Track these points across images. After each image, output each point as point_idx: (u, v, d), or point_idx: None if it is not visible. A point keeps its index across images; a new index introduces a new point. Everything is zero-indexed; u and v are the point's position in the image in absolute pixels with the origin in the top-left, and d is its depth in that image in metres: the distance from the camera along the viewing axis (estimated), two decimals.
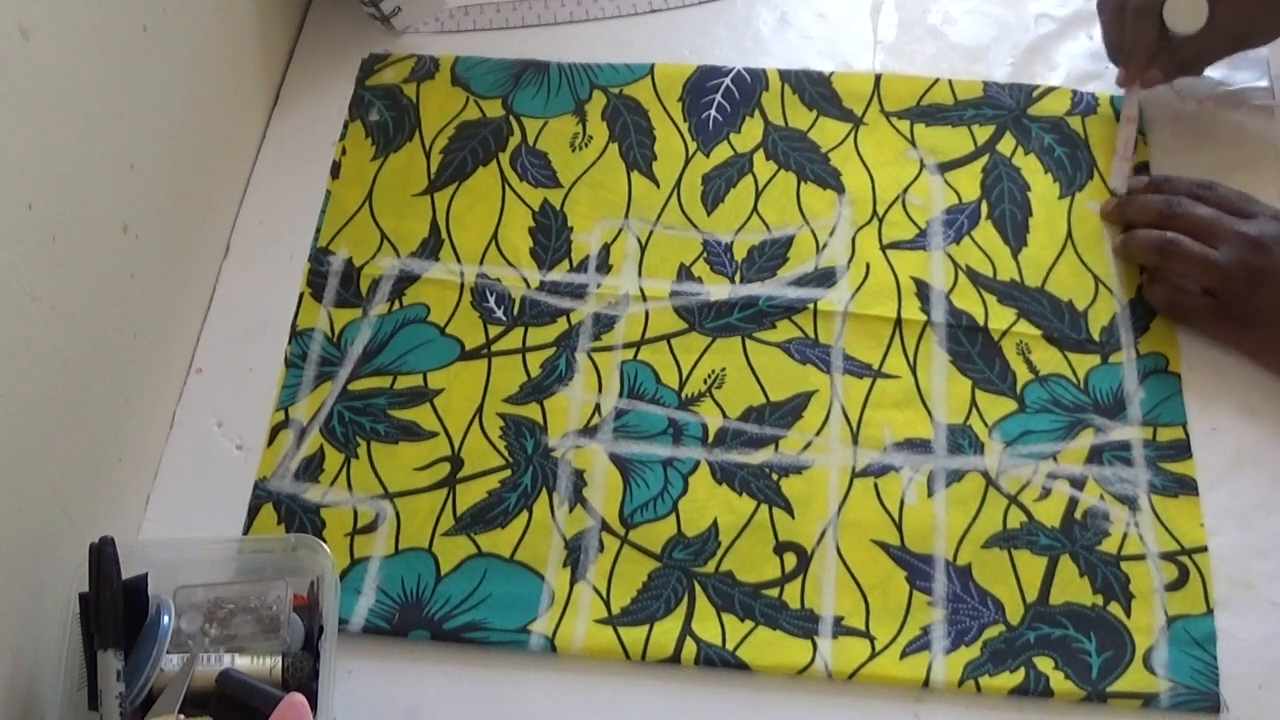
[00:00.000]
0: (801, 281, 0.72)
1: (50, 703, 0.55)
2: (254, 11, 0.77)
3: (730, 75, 0.80)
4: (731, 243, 0.74)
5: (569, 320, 0.71)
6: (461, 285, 0.73)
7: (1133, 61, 0.75)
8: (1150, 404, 0.67)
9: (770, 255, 0.73)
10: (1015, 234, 0.73)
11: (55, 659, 0.55)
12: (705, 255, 0.73)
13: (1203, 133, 0.76)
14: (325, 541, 0.60)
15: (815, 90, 0.80)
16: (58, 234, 0.55)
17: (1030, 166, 0.76)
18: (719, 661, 0.61)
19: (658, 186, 0.76)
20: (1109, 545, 0.63)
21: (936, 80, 0.79)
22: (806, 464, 0.66)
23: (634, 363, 0.70)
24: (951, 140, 0.77)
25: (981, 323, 0.70)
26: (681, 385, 0.69)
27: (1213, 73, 0.77)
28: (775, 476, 0.66)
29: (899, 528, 0.64)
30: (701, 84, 0.80)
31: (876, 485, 0.66)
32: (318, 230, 0.75)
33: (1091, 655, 0.60)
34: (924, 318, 0.70)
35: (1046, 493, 0.65)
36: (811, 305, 0.71)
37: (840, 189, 0.75)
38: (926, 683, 0.60)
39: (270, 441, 0.68)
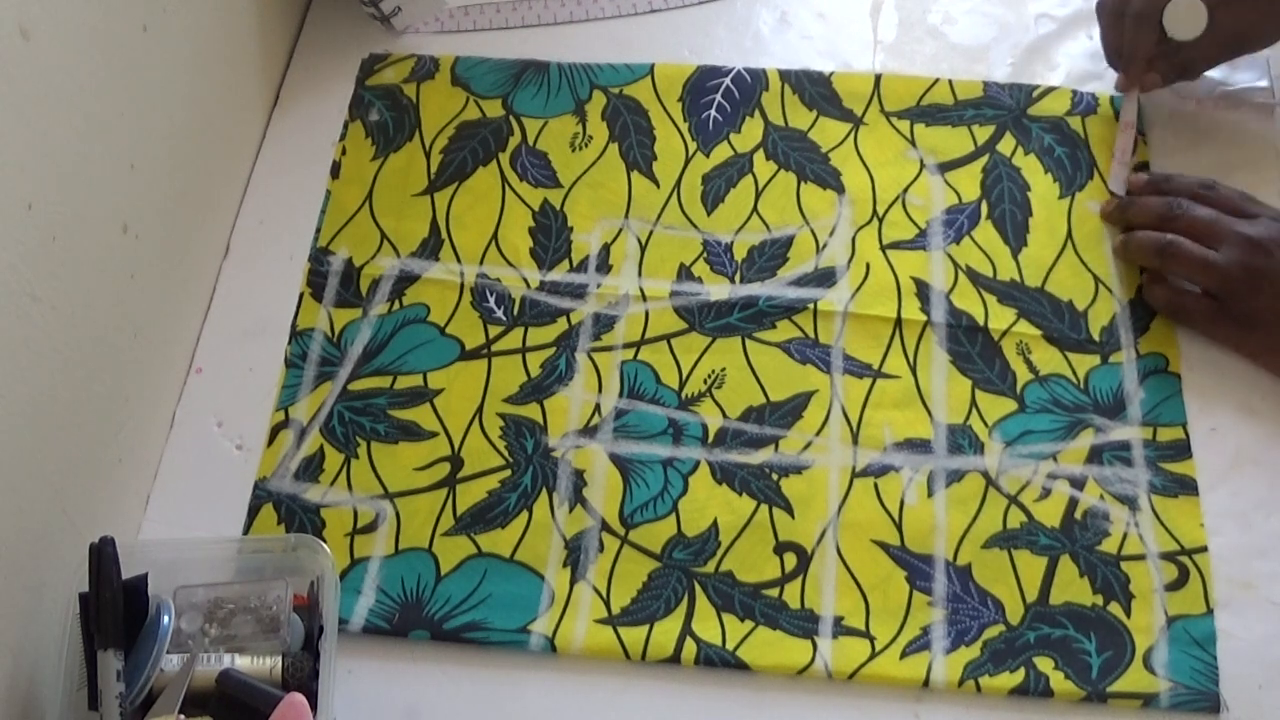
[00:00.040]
0: (801, 281, 0.72)
1: (50, 703, 0.55)
2: (254, 11, 0.77)
3: (730, 75, 0.80)
4: (731, 243, 0.74)
5: (569, 320, 0.71)
6: (461, 285, 0.73)
7: (1132, 67, 0.75)
8: (1150, 404, 0.67)
9: (770, 255, 0.73)
10: (1015, 234, 0.73)
11: (55, 659, 0.55)
12: (705, 255, 0.73)
13: (1203, 133, 0.76)
14: (325, 541, 0.60)
15: (815, 90, 0.80)
16: (58, 234, 0.55)
17: (1030, 166, 0.76)
18: (719, 661, 0.61)
19: (658, 186, 0.76)
20: (1109, 545, 0.63)
21: (936, 80, 0.79)
22: (806, 464, 0.66)
23: (634, 363, 0.70)
24: (951, 140, 0.77)
25: (981, 323, 0.70)
26: (681, 385, 0.69)
27: (1213, 73, 0.77)
28: (775, 476, 0.66)
29: (899, 528, 0.64)
30: (701, 84, 0.80)
31: (876, 485, 0.66)
32: (318, 230, 0.75)
33: (1091, 655, 0.60)
34: (924, 318, 0.70)
35: (1046, 493, 0.65)
36: (811, 305, 0.71)
37: (840, 189, 0.75)
38: (926, 683, 0.60)
39: (270, 441, 0.68)
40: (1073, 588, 0.62)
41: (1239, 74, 0.78)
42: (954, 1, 0.84)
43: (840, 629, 0.62)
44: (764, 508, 0.65)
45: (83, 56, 0.56)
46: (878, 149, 0.77)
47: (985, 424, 0.67)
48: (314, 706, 0.52)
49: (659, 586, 0.63)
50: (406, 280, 0.73)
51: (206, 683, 0.54)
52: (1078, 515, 0.64)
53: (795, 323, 0.71)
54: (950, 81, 0.79)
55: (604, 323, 0.71)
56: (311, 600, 0.59)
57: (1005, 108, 0.78)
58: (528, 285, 0.73)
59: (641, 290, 0.72)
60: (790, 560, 0.64)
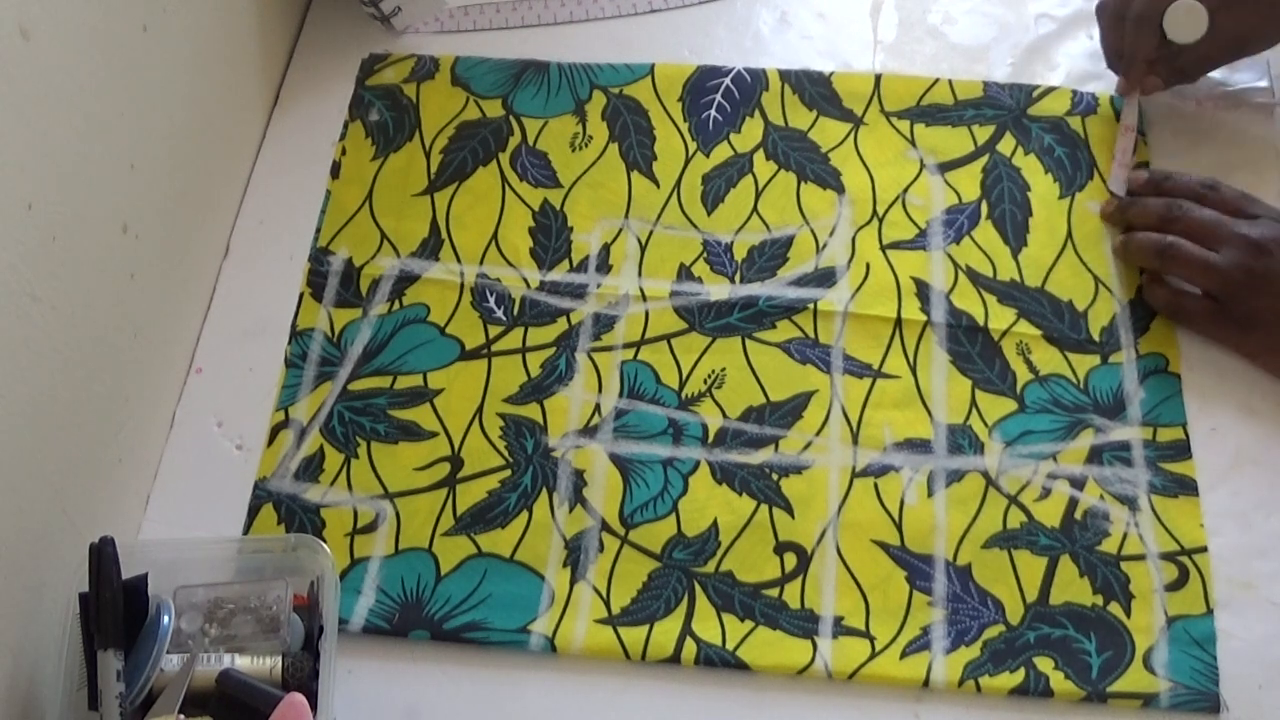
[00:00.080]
0: (801, 281, 0.72)
1: (50, 703, 0.55)
2: (254, 11, 0.77)
3: (730, 75, 0.80)
4: (731, 243, 0.74)
5: (569, 320, 0.71)
6: (461, 285, 0.73)
7: (1132, 70, 0.75)
8: (1150, 404, 0.67)
9: (770, 255, 0.73)
10: (1015, 234, 0.73)
11: (55, 659, 0.55)
12: (705, 255, 0.73)
13: (1203, 133, 0.76)
14: (325, 541, 0.60)
15: (815, 90, 0.80)
16: (58, 234, 0.55)
17: (1030, 166, 0.76)
18: (719, 661, 0.61)
19: (658, 186, 0.76)
20: (1109, 545, 0.63)
21: (936, 80, 0.79)
22: (806, 464, 0.66)
23: (634, 363, 0.70)
24: (951, 140, 0.77)
25: (981, 323, 0.70)
26: (681, 385, 0.69)
27: (1212, 73, 0.77)
28: (775, 476, 0.66)
29: (899, 528, 0.64)
30: (701, 84, 0.80)
31: (876, 485, 0.66)
32: (318, 230, 0.75)
33: (1091, 655, 0.60)
34: (924, 318, 0.70)
35: (1046, 493, 0.65)
36: (811, 305, 0.71)
37: (840, 189, 0.75)
38: (926, 683, 0.60)
39: (270, 441, 0.68)
40: (1073, 588, 0.62)
41: (1239, 74, 0.78)
42: (954, 1, 0.84)
43: (840, 629, 0.62)
44: (764, 508, 0.65)
45: (83, 56, 0.56)
46: (878, 149, 0.77)
47: (985, 424, 0.67)
48: (314, 706, 0.52)
49: (659, 586, 0.63)
50: (406, 280, 0.73)
51: (206, 683, 0.54)
52: (1078, 515, 0.64)
53: (795, 323, 0.71)
54: (950, 81, 0.79)
55: (604, 323, 0.71)
56: (311, 600, 0.59)
57: (1005, 108, 0.78)
58: (528, 285, 0.73)
59: (641, 290, 0.72)
60: (790, 560, 0.64)
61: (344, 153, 0.79)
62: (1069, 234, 0.73)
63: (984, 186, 0.75)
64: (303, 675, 0.55)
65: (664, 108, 0.79)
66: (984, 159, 0.76)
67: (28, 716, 0.54)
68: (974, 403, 0.68)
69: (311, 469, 0.67)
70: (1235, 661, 0.60)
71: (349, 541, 0.65)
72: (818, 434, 0.67)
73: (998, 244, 0.73)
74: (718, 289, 0.72)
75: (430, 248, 0.74)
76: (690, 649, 0.61)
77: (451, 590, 0.63)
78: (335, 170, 0.78)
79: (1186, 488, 0.65)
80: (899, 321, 0.70)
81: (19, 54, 0.51)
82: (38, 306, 0.54)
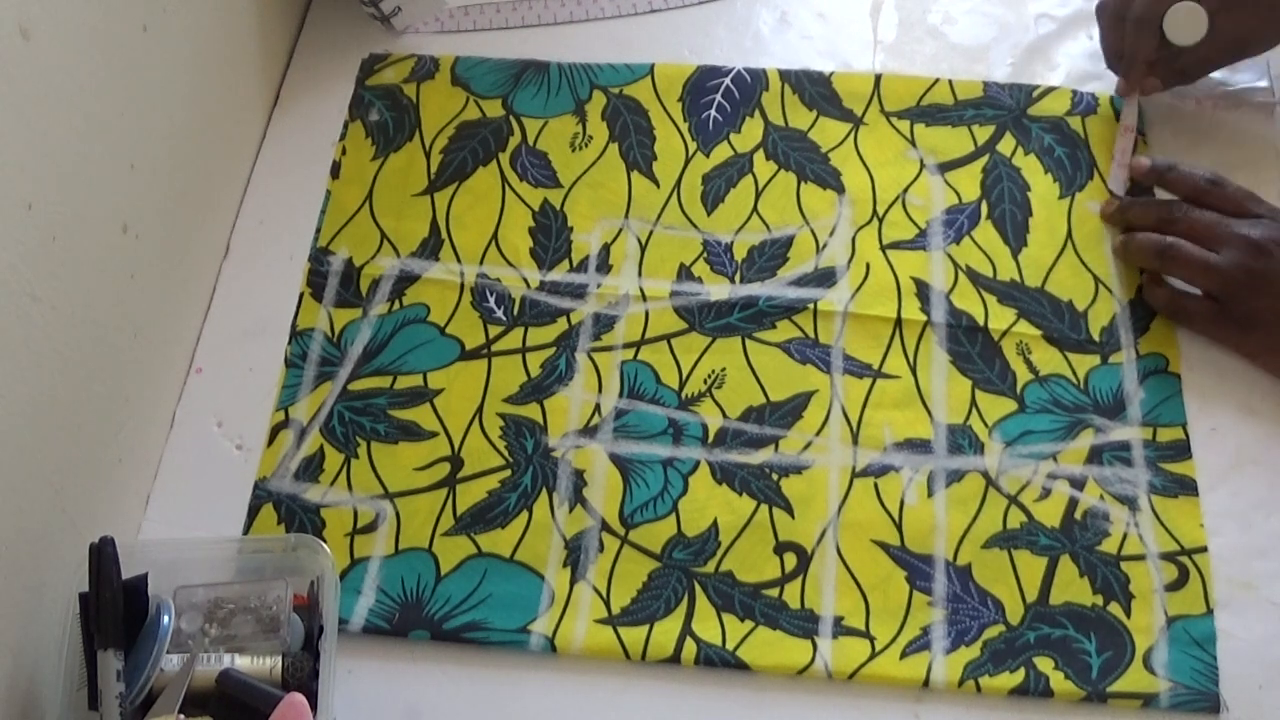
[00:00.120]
0: (801, 281, 0.72)
1: (50, 703, 0.55)
2: (254, 11, 0.77)
3: (730, 75, 0.80)
4: (731, 243, 0.74)
5: (569, 320, 0.71)
6: (461, 285, 0.73)
7: (1132, 71, 0.75)
8: (1150, 404, 0.67)
9: (770, 255, 0.73)
10: (1015, 234, 0.73)
11: (55, 659, 0.55)
12: (705, 255, 0.73)
13: (1203, 133, 0.76)
14: (325, 541, 0.60)
15: (815, 90, 0.80)
16: (58, 234, 0.55)
17: (1030, 166, 0.76)
18: (719, 661, 0.61)
19: (658, 186, 0.76)
20: (1109, 545, 0.63)
21: (936, 80, 0.79)
22: (806, 464, 0.66)
23: (634, 363, 0.70)
24: (951, 140, 0.77)
25: (981, 323, 0.70)
26: (681, 385, 0.69)
27: (1212, 73, 0.77)
28: (775, 476, 0.66)
29: (899, 528, 0.64)
30: (701, 84, 0.80)
31: (876, 485, 0.66)
32: (318, 230, 0.75)
33: (1091, 655, 0.60)
34: (924, 318, 0.70)
35: (1046, 493, 0.65)
36: (811, 305, 0.71)
37: (840, 189, 0.75)
38: (926, 683, 0.60)
39: (270, 441, 0.68)
40: (1073, 588, 0.62)
41: (1239, 74, 0.78)
42: (954, 1, 0.84)
43: (840, 629, 0.62)
44: (764, 508, 0.65)
45: (83, 56, 0.56)
46: (878, 149, 0.77)
47: (985, 424, 0.67)
48: (314, 706, 0.52)
49: (659, 586, 0.63)
50: (406, 280, 0.73)
51: (206, 683, 0.54)
52: (1078, 515, 0.64)
53: (795, 323, 0.71)
54: (950, 81, 0.79)
55: (604, 323, 0.71)
56: (311, 600, 0.59)
57: (1005, 108, 0.78)
58: (528, 285, 0.73)
59: (641, 290, 0.72)
60: (790, 560, 0.64)
61: (344, 153, 0.79)
62: (1069, 234, 0.73)
63: (984, 186, 0.75)
64: (303, 675, 0.55)
65: (664, 108, 0.79)
66: (984, 159, 0.76)
67: (28, 716, 0.54)
68: (974, 403, 0.68)
69: (311, 469, 0.67)
70: (1235, 661, 0.60)
71: (349, 541, 0.65)
72: (818, 434, 0.67)
73: (998, 244, 0.73)
74: (718, 289, 0.72)
75: (430, 248, 0.74)
76: (690, 649, 0.61)
77: (451, 590, 0.63)
78: (335, 170, 0.78)
79: (1186, 488, 0.65)
80: (899, 321, 0.70)
81: (19, 54, 0.51)
82: (38, 306, 0.54)
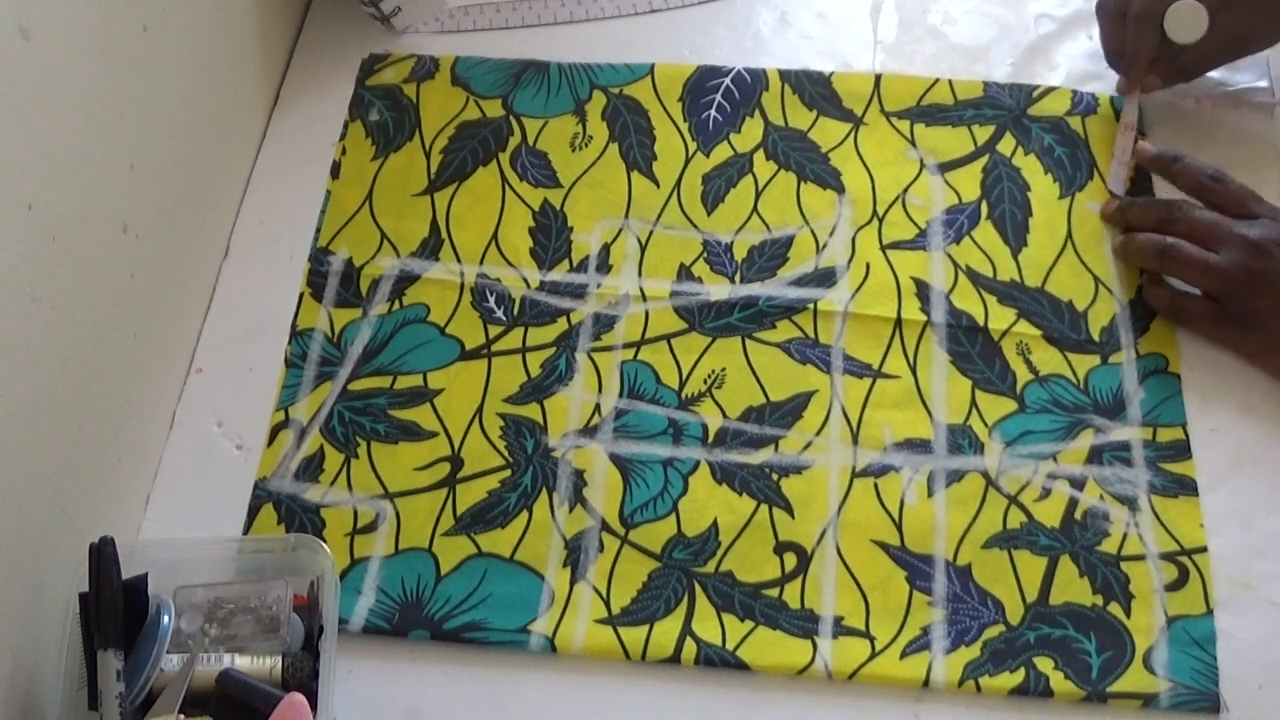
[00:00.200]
0: (801, 281, 0.72)
1: (50, 703, 0.55)
2: (254, 11, 0.77)
3: (730, 75, 0.80)
4: (731, 243, 0.74)
5: (569, 320, 0.71)
6: (461, 285, 0.73)
7: (1133, 69, 0.75)
8: (1150, 404, 0.67)
9: (770, 255, 0.73)
10: (1015, 234, 0.73)
11: (55, 659, 0.55)
12: (705, 255, 0.73)
13: (1203, 133, 0.76)
14: (325, 541, 0.60)
15: (815, 90, 0.80)
16: (58, 234, 0.55)
17: (1030, 166, 0.76)
18: (719, 661, 0.61)
19: (658, 186, 0.76)
20: (1109, 545, 0.63)
21: (936, 80, 0.79)
22: (806, 464, 0.66)
23: (634, 363, 0.70)
24: (951, 140, 0.77)
25: (981, 323, 0.70)
26: (681, 385, 0.69)
27: (1213, 73, 0.77)
28: (775, 476, 0.66)
29: (899, 528, 0.64)
30: (701, 84, 0.80)
31: (876, 485, 0.66)
32: (318, 230, 0.75)
33: (1091, 655, 0.60)
34: (924, 318, 0.70)
35: (1046, 493, 0.65)
36: (811, 305, 0.71)
37: (840, 189, 0.75)
38: (926, 683, 0.60)
39: (270, 441, 0.68)
40: (1073, 588, 0.62)
41: (1239, 74, 0.78)
42: (954, 1, 0.84)
43: (840, 629, 0.62)
44: (764, 508, 0.65)
45: (83, 56, 0.56)
46: (878, 149, 0.77)
47: (985, 424, 0.67)
48: (314, 706, 0.52)
49: (659, 586, 0.63)
50: (406, 280, 0.73)
51: (206, 683, 0.54)
52: (1078, 515, 0.64)
53: (795, 323, 0.71)
54: (950, 81, 0.79)
55: (604, 323, 0.71)
56: (311, 600, 0.59)
57: (1005, 108, 0.78)
58: (528, 285, 0.73)
59: (641, 290, 0.72)
60: (790, 560, 0.64)
61: (344, 153, 0.79)
62: (1069, 234, 0.73)
63: (984, 186, 0.75)
64: (303, 675, 0.55)
65: (664, 108, 0.79)
66: (984, 159, 0.76)
67: (28, 716, 0.54)
68: (974, 403, 0.68)
69: (311, 469, 0.67)
70: (1235, 661, 0.60)
71: (349, 541, 0.65)
72: (818, 434, 0.67)
73: (998, 244, 0.73)
74: (718, 289, 0.72)
75: (430, 248, 0.74)
76: (690, 649, 0.61)
77: (451, 590, 0.63)
78: (335, 170, 0.78)
79: (1186, 488, 0.65)
80: (899, 321, 0.70)
81: (19, 54, 0.51)
82: (38, 306, 0.54)
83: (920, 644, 0.61)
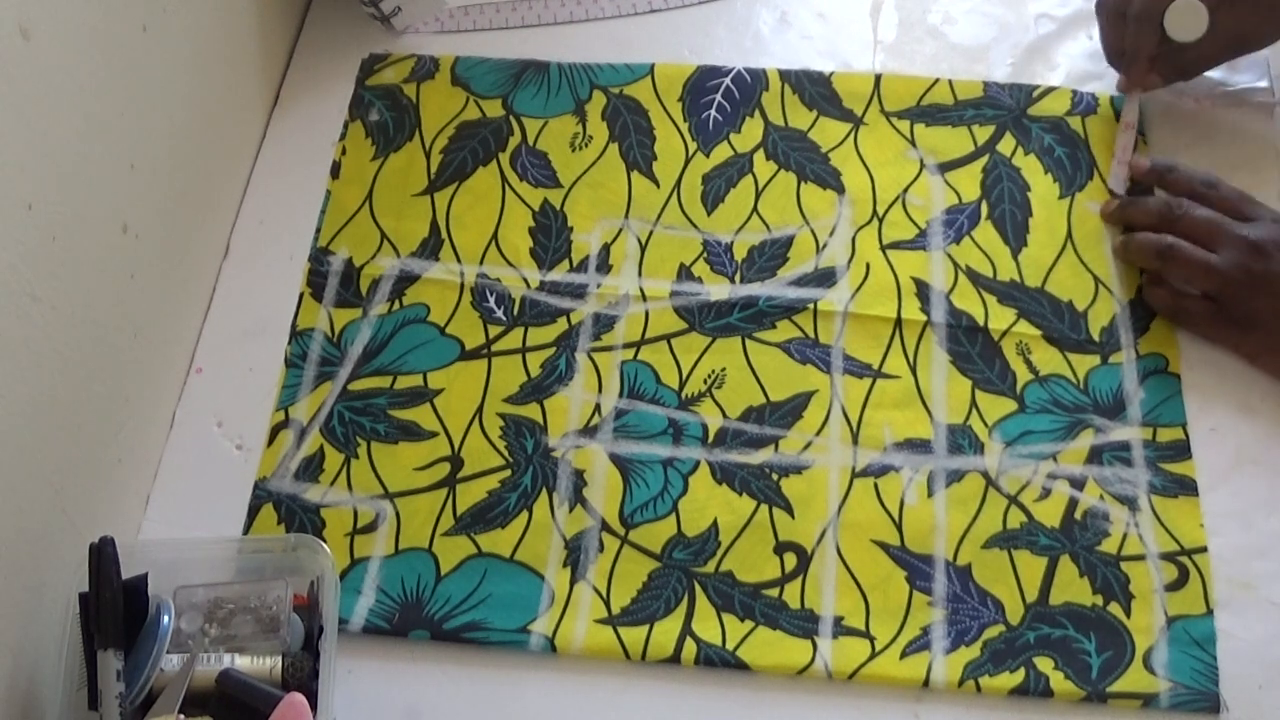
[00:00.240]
0: (801, 281, 0.72)
1: (50, 703, 0.55)
2: (254, 11, 0.77)
3: (730, 75, 0.80)
4: (731, 243, 0.74)
5: (569, 320, 0.71)
6: (461, 285, 0.73)
7: (1134, 68, 0.75)
8: (1150, 404, 0.67)
9: (770, 255, 0.73)
10: (1015, 234, 0.73)
11: (55, 659, 0.55)
12: (705, 255, 0.73)
13: (1203, 133, 0.76)
14: (325, 541, 0.60)
15: (815, 90, 0.80)
16: (58, 234, 0.55)
17: (1030, 166, 0.76)
18: (719, 661, 0.61)
19: (658, 186, 0.76)
20: (1109, 545, 0.63)
21: (936, 80, 0.79)
22: (806, 464, 0.66)
23: (634, 363, 0.70)
24: (951, 140, 0.77)
25: (981, 323, 0.70)
26: (681, 385, 0.69)
27: (1213, 73, 0.77)
28: (775, 476, 0.66)
29: (899, 528, 0.64)
30: (701, 84, 0.80)
31: (876, 485, 0.66)
32: (318, 230, 0.75)
33: (1091, 655, 0.60)
34: (924, 318, 0.70)
35: (1046, 493, 0.65)
36: (811, 305, 0.71)
37: (840, 189, 0.75)
38: (926, 683, 0.60)
39: (270, 441, 0.68)
40: (1073, 588, 0.62)
41: (1239, 74, 0.78)
42: (954, 1, 0.84)
43: (840, 629, 0.62)
44: (764, 508, 0.65)
45: (83, 56, 0.56)
46: (878, 149, 0.77)
47: (985, 424, 0.67)
48: (314, 706, 0.52)
49: (659, 586, 0.63)
50: (406, 280, 0.73)
51: (206, 683, 0.54)
52: (1078, 515, 0.64)
53: (795, 323, 0.71)
54: (950, 81, 0.79)
55: (604, 323, 0.71)
56: (311, 600, 0.59)
57: (1005, 108, 0.78)
58: (528, 285, 0.73)
59: (641, 290, 0.72)
60: (790, 560, 0.64)
61: (344, 153, 0.79)
62: (1069, 234, 0.73)
63: (984, 186, 0.75)
64: (303, 675, 0.55)
65: (664, 108, 0.79)
66: (984, 159, 0.76)
67: (28, 716, 0.54)
68: (974, 403, 0.68)
69: (311, 469, 0.67)
70: (1235, 661, 0.60)
71: (349, 541, 0.65)
72: (818, 434, 0.67)
73: (998, 244, 0.73)
74: (718, 289, 0.72)
75: (430, 248, 0.74)
76: (690, 649, 0.61)
77: (451, 590, 0.63)
78: (335, 170, 0.78)
79: (1186, 488, 0.65)
80: (899, 321, 0.70)
81: (19, 54, 0.51)
82: (38, 306, 0.54)
83: (920, 644, 0.61)
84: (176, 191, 0.68)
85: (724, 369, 0.69)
